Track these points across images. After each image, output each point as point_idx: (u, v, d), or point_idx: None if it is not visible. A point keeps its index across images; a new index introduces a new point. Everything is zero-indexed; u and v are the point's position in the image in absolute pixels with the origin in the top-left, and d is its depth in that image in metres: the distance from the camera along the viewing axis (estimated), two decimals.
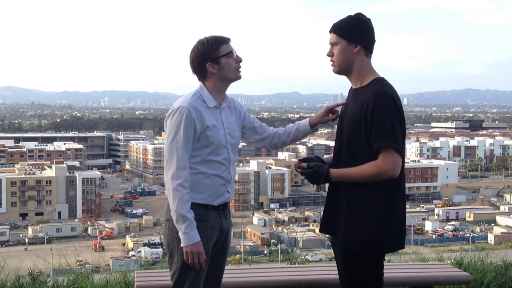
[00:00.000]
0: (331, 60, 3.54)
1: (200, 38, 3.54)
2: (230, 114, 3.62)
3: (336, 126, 3.77)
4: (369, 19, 3.51)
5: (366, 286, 3.48)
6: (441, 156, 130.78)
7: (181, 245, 3.39)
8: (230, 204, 3.73)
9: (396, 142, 3.31)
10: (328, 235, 3.71)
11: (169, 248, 3.51)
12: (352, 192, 3.43)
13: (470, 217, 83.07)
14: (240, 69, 3.56)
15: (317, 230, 72.87)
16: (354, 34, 3.46)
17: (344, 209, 3.45)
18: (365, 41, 3.48)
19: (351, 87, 3.61)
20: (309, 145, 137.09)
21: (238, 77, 3.58)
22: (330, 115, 3.78)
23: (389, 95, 3.35)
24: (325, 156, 3.75)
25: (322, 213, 3.71)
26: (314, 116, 3.83)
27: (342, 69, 3.53)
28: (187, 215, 3.37)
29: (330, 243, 3.69)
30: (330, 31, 3.54)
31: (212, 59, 3.48)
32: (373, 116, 3.32)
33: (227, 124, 3.55)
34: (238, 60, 3.54)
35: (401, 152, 3.35)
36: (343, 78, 3.63)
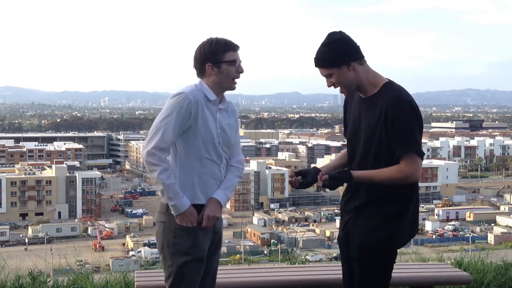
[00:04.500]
0: (336, 88, 3.51)
1: (211, 37, 3.51)
2: (226, 116, 3.59)
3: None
4: (340, 33, 3.46)
5: (379, 284, 3.52)
6: (441, 156, 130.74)
7: (174, 214, 3.42)
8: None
9: (418, 147, 3.38)
10: (339, 236, 3.72)
11: (163, 251, 3.49)
12: (372, 192, 3.46)
13: (470, 217, 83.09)
14: (237, 80, 3.54)
15: (317, 230, 72.94)
16: (339, 58, 3.41)
17: (365, 208, 3.49)
18: (352, 55, 3.43)
19: (359, 97, 3.58)
20: (309, 145, 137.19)
21: (232, 88, 3.56)
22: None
23: (407, 100, 3.38)
24: (321, 166, 3.74)
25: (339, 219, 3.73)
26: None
27: (352, 91, 3.52)
28: (167, 193, 3.37)
29: (339, 244, 3.71)
30: (316, 66, 3.50)
31: (214, 62, 3.46)
32: (393, 123, 3.34)
33: (220, 125, 3.53)
34: (239, 71, 3.52)
35: (423, 156, 3.42)
36: None
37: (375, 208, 3.45)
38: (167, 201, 3.39)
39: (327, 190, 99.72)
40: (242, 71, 3.52)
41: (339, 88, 3.50)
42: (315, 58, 3.48)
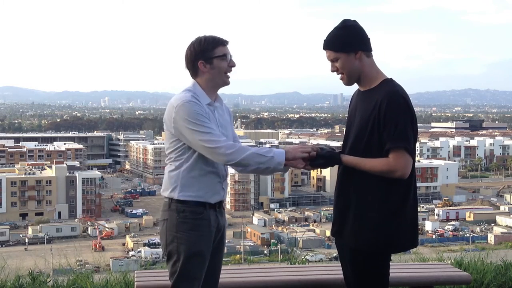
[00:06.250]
0: (338, 74, 3.52)
1: (199, 36, 3.54)
2: (222, 113, 3.62)
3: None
4: (355, 21, 3.50)
5: (373, 285, 3.49)
6: (441, 156, 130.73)
7: (283, 164, 3.43)
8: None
9: (408, 143, 3.35)
10: (331, 236, 3.71)
11: (167, 248, 3.50)
12: (361, 192, 3.44)
13: (470, 217, 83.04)
14: (229, 74, 3.56)
15: (317, 230, 72.91)
16: (349, 44, 3.44)
17: (353, 209, 3.46)
18: (362, 44, 3.46)
19: (358, 90, 3.61)
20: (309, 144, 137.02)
21: (227, 83, 3.57)
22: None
23: (402, 96, 3.38)
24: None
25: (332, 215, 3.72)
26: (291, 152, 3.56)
27: (352, 80, 3.53)
28: (258, 153, 3.41)
29: (335, 244, 3.69)
30: (324, 49, 3.52)
31: (205, 58, 3.49)
32: (386, 116, 3.34)
33: (220, 122, 3.55)
34: (231, 65, 3.54)
35: (412, 153, 3.38)
36: None
37: (365, 208, 3.41)
38: (273, 164, 3.42)
39: (325, 190, 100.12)
40: (234, 65, 3.55)
41: (339, 75, 3.52)
42: (325, 40, 3.50)
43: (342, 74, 3.50)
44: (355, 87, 3.66)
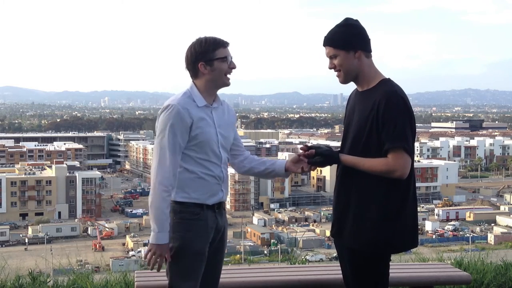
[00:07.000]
0: (335, 71, 3.53)
1: (200, 37, 3.53)
2: (222, 114, 3.60)
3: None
4: (357, 21, 3.50)
5: (372, 286, 3.48)
6: (441, 156, 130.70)
7: (150, 241, 3.40)
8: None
9: (407, 142, 3.35)
10: (331, 236, 3.71)
11: None
12: (360, 192, 3.44)
13: (470, 217, 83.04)
14: (230, 75, 3.55)
15: (317, 230, 72.92)
16: (350, 42, 3.45)
17: (353, 209, 3.46)
18: (362, 44, 3.47)
19: (356, 90, 3.61)
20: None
21: (227, 84, 3.56)
22: (303, 167, 3.70)
23: (400, 96, 3.37)
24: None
25: (332, 216, 3.72)
26: (289, 162, 3.76)
27: (349, 79, 3.53)
28: (161, 215, 3.36)
29: (335, 244, 3.68)
30: (324, 45, 3.52)
31: (206, 60, 3.48)
32: (384, 116, 3.34)
33: (218, 123, 3.54)
34: (232, 66, 3.53)
35: (411, 153, 3.38)
36: None
37: (365, 208, 3.41)
38: (153, 225, 3.38)
39: (325, 190, 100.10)
40: (234, 67, 3.54)
41: (336, 72, 3.53)
42: (325, 37, 3.51)
43: (339, 71, 3.51)
44: (354, 87, 3.66)
